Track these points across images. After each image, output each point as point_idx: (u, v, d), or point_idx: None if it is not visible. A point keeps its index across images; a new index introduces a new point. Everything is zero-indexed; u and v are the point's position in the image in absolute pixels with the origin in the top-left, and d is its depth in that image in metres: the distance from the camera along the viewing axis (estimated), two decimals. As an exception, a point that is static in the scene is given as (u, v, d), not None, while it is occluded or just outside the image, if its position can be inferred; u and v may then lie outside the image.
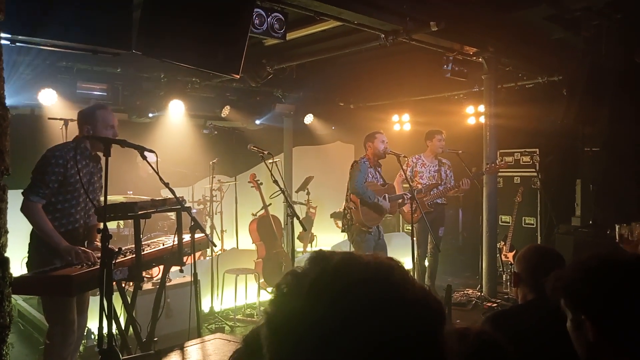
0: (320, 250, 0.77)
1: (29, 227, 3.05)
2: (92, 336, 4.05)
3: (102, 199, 2.89)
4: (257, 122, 8.06)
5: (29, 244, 3.08)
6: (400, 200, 5.24)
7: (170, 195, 3.04)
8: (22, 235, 3.04)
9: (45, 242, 2.97)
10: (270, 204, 6.37)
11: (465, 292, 6.00)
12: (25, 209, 2.94)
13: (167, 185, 2.96)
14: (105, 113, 3.18)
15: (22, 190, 2.97)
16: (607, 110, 5.41)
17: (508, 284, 5.93)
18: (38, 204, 2.96)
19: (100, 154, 3.15)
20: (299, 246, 7.72)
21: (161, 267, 3.40)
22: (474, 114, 7.84)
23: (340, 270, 0.71)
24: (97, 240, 3.31)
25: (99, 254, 2.63)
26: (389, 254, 5.30)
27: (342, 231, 5.31)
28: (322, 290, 0.69)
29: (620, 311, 1.25)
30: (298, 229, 4.61)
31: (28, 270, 3.00)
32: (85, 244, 3.24)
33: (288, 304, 0.71)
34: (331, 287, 0.69)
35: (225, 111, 7.30)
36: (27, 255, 3.11)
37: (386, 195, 5.13)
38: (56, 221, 3.03)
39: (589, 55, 5.26)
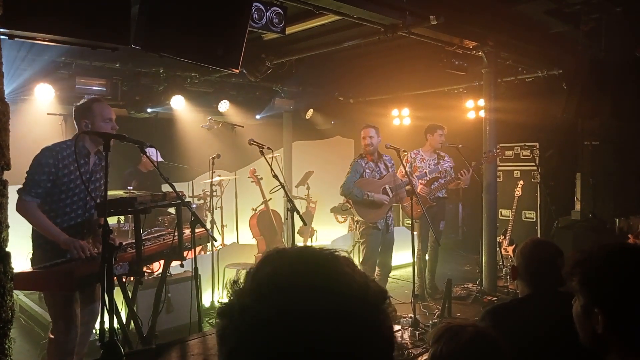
0: (276, 248, 0.77)
1: (22, 224, 3.06)
2: (94, 331, 4.07)
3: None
4: (257, 117, 8.05)
5: (32, 241, 3.09)
6: (408, 187, 5.16)
7: (171, 190, 3.04)
8: (27, 230, 3.06)
9: (47, 238, 2.99)
10: (270, 199, 6.38)
11: (465, 285, 6.02)
12: (20, 209, 2.94)
13: (167, 180, 2.96)
14: (102, 106, 3.15)
15: (17, 189, 2.95)
16: (607, 104, 5.40)
17: (508, 277, 5.94)
18: (32, 203, 2.95)
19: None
20: (299, 241, 7.73)
21: (162, 262, 3.41)
22: (473, 108, 7.84)
23: (281, 273, 0.71)
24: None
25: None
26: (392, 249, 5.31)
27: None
28: (265, 291, 0.69)
29: (636, 310, 1.22)
30: (298, 223, 4.61)
31: (32, 266, 3.00)
32: (91, 240, 3.25)
33: (236, 301, 0.71)
34: (273, 289, 0.69)
35: (224, 106, 7.30)
36: (31, 251, 3.12)
37: (386, 186, 5.11)
38: (51, 220, 3.02)
39: (589, 49, 5.25)
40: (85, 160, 3.15)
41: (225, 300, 0.74)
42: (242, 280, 0.74)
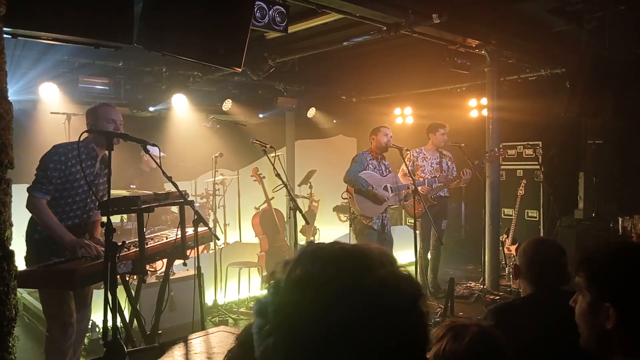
0: (312, 242, 0.80)
1: (25, 222, 3.07)
2: (97, 329, 4.08)
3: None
4: (260, 115, 8.05)
5: (25, 239, 3.09)
6: (405, 191, 5.23)
7: (174, 189, 3.05)
8: (22, 229, 3.06)
9: (44, 236, 3.00)
10: (272, 198, 6.38)
11: (468, 284, 6.01)
12: (31, 206, 2.97)
13: (170, 179, 2.97)
14: (108, 108, 3.20)
15: (27, 187, 2.99)
16: (610, 103, 5.38)
17: (510, 276, 5.94)
18: (42, 200, 2.97)
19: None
20: (301, 239, 7.73)
21: (165, 260, 3.42)
22: (476, 107, 7.82)
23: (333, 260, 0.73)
24: (99, 235, 3.34)
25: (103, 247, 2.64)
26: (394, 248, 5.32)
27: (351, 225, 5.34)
28: (322, 283, 0.71)
29: None
30: (301, 222, 4.62)
31: (26, 265, 3.01)
32: (86, 236, 3.26)
33: (286, 296, 0.72)
34: (331, 281, 0.71)
35: (227, 105, 7.30)
36: (25, 249, 3.11)
37: (387, 185, 5.15)
38: None
39: (592, 47, 5.23)
40: (92, 163, 3.18)
41: (264, 295, 0.75)
42: (278, 275, 0.75)
